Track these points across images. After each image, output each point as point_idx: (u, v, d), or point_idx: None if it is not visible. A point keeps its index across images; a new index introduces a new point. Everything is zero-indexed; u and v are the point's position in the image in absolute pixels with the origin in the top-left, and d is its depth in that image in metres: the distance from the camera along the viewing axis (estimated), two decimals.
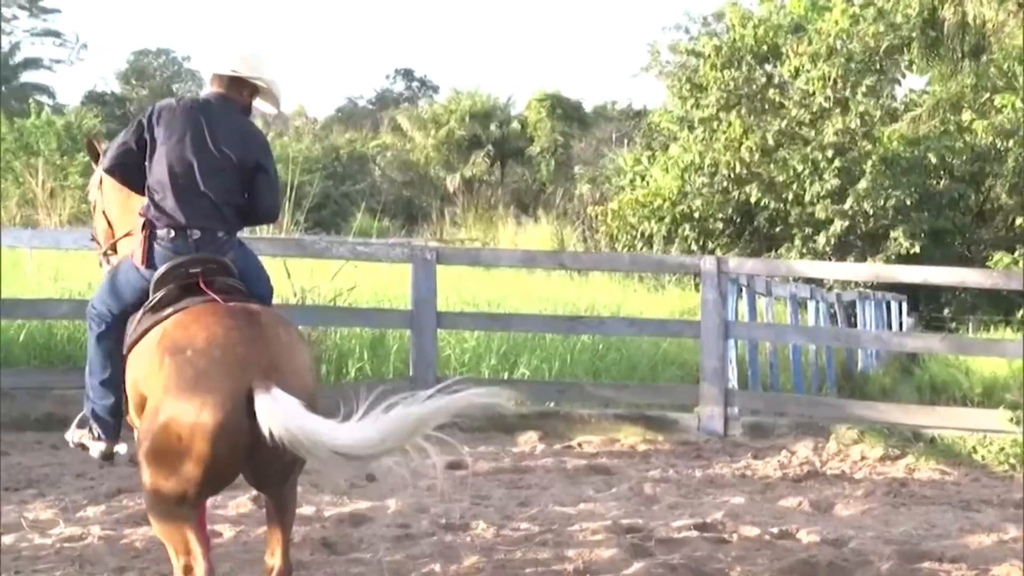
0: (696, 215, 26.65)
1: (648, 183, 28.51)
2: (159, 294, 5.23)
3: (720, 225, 27.54)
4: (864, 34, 26.29)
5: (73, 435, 5.76)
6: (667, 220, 26.80)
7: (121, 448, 5.75)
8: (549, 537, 7.41)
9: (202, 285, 5.24)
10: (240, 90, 5.71)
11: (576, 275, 20.04)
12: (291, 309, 11.77)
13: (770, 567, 6.57)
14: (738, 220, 27.83)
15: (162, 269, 5.28)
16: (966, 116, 25.91)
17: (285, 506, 5.22)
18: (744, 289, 14.02)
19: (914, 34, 26.07)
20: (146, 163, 5.48)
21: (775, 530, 7.42)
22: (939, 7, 25.94)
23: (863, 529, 7.79)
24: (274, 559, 5.13)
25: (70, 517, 7.50)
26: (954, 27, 25.73)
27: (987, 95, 25.98)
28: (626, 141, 37.85)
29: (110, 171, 5.66)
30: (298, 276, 13.01)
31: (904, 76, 28.31)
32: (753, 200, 27.01)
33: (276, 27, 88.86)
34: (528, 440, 10.67)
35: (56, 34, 54.36)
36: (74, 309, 10.94)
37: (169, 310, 5.14)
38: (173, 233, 5.37)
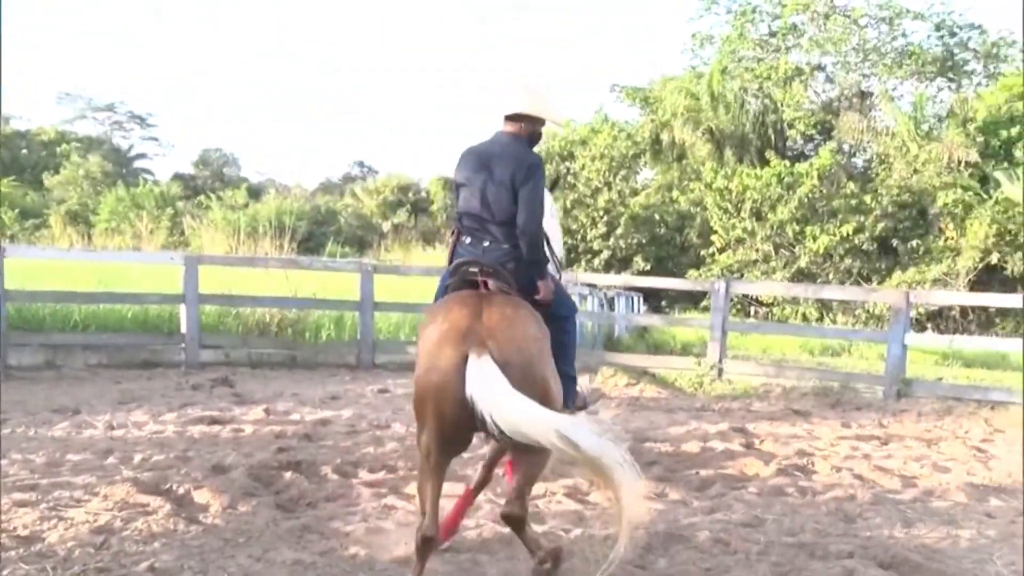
0: None
1: None
2: (446, 284, 4.22)
3: None
4: (619, 146, 26.34)
5: None
6: None
7: None
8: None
9: (479, 280, 4.11)
10: (520, 121, 4.32)
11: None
12: (287, 300, 11.63)
13: None
14: None
15: (449, 268, 4.25)
16: (675, 194, 25.98)
17: (520, 458, 3.82)
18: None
19: (646, 147, 27.25)
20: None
21: None
22: (660, 132, 27.16)
23: (614, 425, 7.47)
24: (509, 507, 3.80)
25: (155, 419, 7.43)
26: (668, 143, 26.91)
27: (687, 182, 26.20)
28: None
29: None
30: (296, 282, 12.57)
31: (641, 170, 28.45)
32: None
33: (279, 123, 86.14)
34: None
35: (155, 139, 54.01)
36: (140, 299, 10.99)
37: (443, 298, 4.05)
38: (469, 239, 4.27)
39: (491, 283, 4.06)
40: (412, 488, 5.53)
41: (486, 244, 4.20)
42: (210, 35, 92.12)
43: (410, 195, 42.82)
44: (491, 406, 3.35)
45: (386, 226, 39.89)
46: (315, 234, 34.12)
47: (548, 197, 4.48)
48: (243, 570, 4.05)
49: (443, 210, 42.61)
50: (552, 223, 4.61)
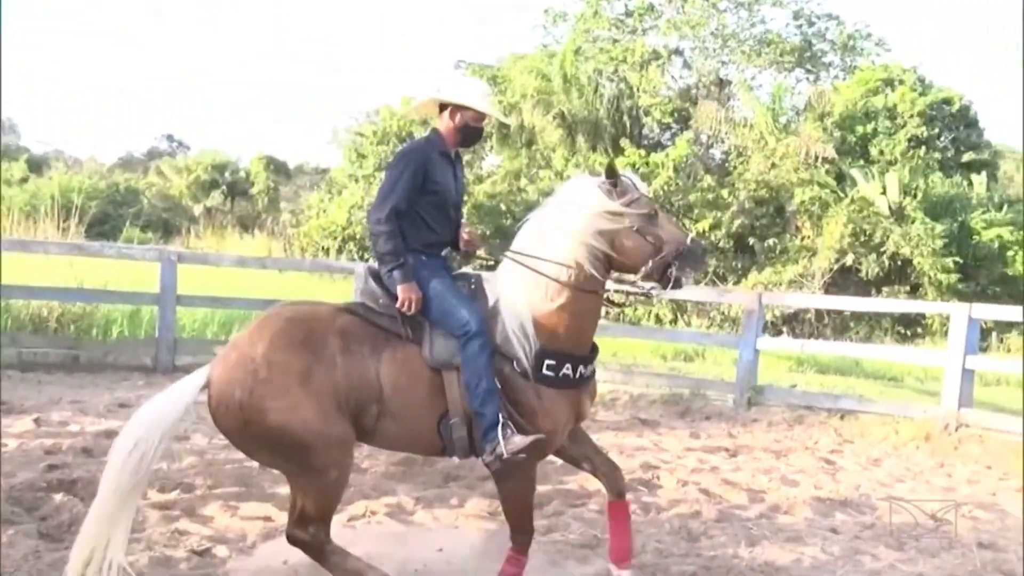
0: (358, 236, 26.84)
1: (327, 215, 28.16)
2: None
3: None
4: None
5: None
6: (338, 239, 26.39)
7: None
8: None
9: None
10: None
11: (279, 273, 20.15)
12: (70, 291, 11.06)
13: None
14: None
15: None
16: (523, 182, 26.24)
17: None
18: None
19: (492, 130, 27.24)
20: None
21: None
22: (507, 115, 27.31)
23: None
24: (289, 528, 4.09)
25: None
26: (517, 127, 27.08)
27: (536, 169, 26.60)
28: (315, 188, 37.55)
29: None
30: (82, 271, 11.81)
31: (487, 155, 28.67)
32: None
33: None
34: None
35: None
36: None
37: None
38: None
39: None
40: (211, 509, 5.37)
41: None
42: (210, 35, 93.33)
43: (226, 175, 41.70)
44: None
45: (197, 209, 38.68)
46: (111, 216, 32.71)
47: (592, 189, 4.17)
48: None
49: (264, 193, 41.83)
50: (568, 218, 4.16)
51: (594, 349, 4.28)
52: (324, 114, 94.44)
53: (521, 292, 4.16)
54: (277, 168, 44.14)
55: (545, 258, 4.14)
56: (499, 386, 4.04)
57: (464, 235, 4.44)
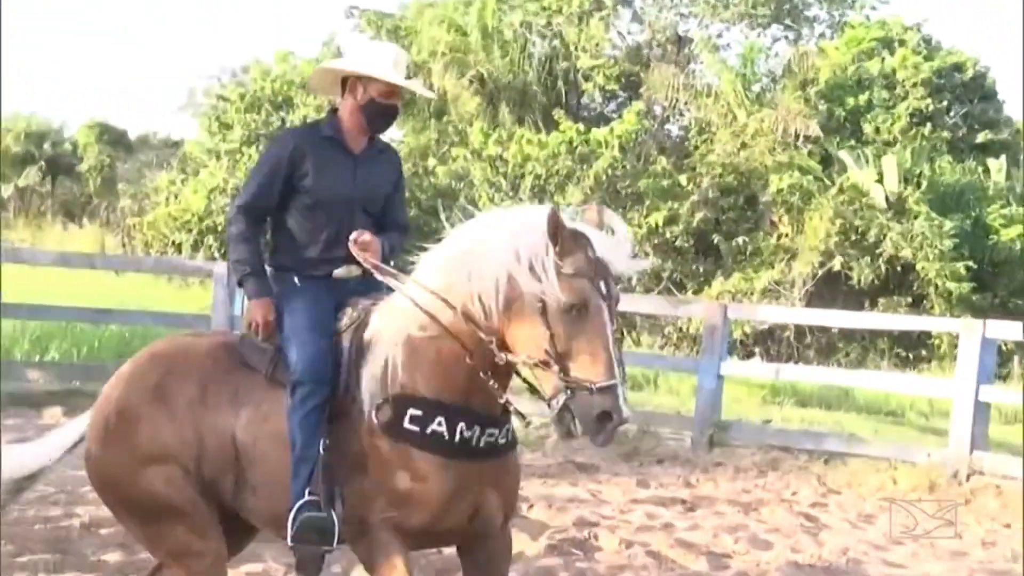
0: (219, 228, 26.46)
1: (180, 201, 27.70)
2: None
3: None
4: None
5: None
6: (194, 232, 26.15)
7: None
8: (62, 497, 7.13)
9: None
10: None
11: (116, 274, 19.76)
12: None
13: None
14: None
15: None
16: (431, 162, 26.11)
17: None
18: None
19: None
20: None
21: None
22: (412, 76, 27.16)
23: None
24: None
25: None
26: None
27: (447, 147, 26.46)
28: (164, 165, 36.98)
29: None
30: None
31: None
32: None
33: None
34: (53, 415, 10.10)
35: None
36: None
37: None
38: None
39: None
40: None
41: None
42: (210, 35, 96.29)
43: (45, 147, 40.91)
44: None
45: (6, 191, 37.88)
46: None
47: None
48: None
49: (96, 171, 41.16)
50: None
51: (504, 412, 3.95)
52: (176, 71, 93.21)
53: (391, 325, 3.94)
54: (114, 139, 43.35)
55: (429, 288, 3.88)
56: (322, 452, 3.84)
57: (352, 243, 4.18)
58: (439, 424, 3.78)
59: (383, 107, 4.29)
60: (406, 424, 3.80)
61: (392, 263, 4.25)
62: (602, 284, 3.64)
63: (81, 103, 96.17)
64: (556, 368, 3.60)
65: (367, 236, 4.18)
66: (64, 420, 9.44)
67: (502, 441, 3.95)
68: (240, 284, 4.25)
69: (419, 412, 3.80)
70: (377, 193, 4.33)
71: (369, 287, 4.18)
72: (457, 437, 3.79)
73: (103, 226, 30.91)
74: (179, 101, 71.00)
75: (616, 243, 3.80)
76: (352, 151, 4.29)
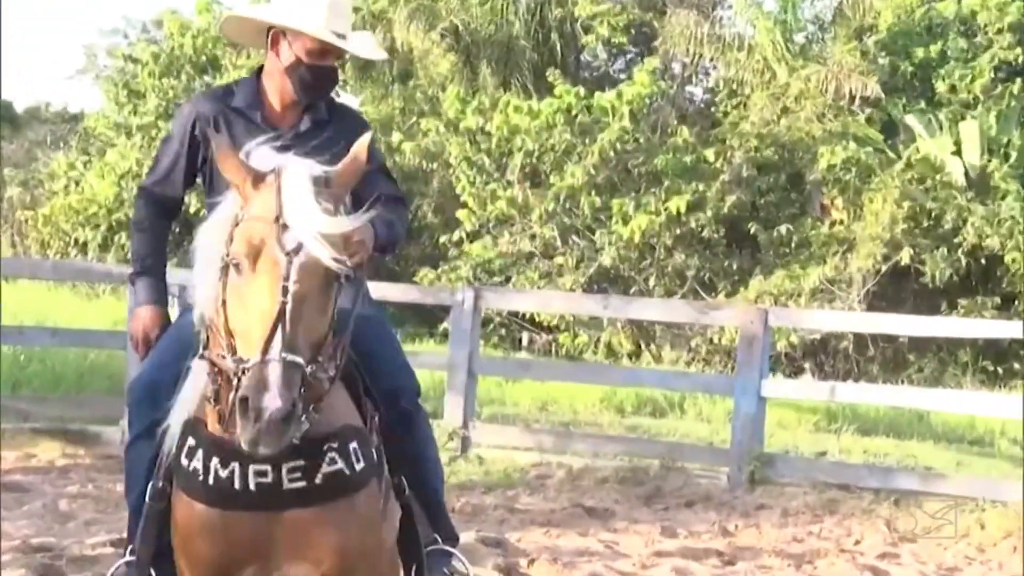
0: None
1: (83, 189, 27.60)
2: None
3: None
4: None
5: None
6: (103, 227, 26.25)
7: None
8: None
9: None
10: None
11: (5, 282, 19.67)
12: None
13: None
14: None
15: None
16: (396, 137, 25.67)
17: None
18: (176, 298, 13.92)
19: (344, 60, 27.09)
20: None
21: None
22: (371, 31, 27.10)
23: None
24: None
25: None
26: (386, 52, 26.94)
27: (414, 119, 26.30)
28: (61, 144, 36.86)
29: None
30: None
31: (338, 95, 28.74)
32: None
33: None
34: None
35: None
36: None
37: None
38: None
39: None
40: None
41: None
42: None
43: None
44: None
45: None
46: None
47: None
48: None
49: None
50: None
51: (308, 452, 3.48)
52: (70, 25, 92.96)
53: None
54: None
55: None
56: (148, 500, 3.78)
57: None
58: (198, 461, 3.54)
59: (315, 69, 4.13)
60: (181, 459, 3.61)
61: (396, 248, 4.14)
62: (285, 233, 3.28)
63: None
64: (224, 343, 3.39)
65: None
66: None
67: (293, 484, 3.49)
68: (132, 283, 4.12)
69: (190, 441, 3.59)
70: None
71: None
72: (211, 476, 3.50)
73: None
74: (76, 64, 70.89)
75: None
76: (274, 125, 4.06)
